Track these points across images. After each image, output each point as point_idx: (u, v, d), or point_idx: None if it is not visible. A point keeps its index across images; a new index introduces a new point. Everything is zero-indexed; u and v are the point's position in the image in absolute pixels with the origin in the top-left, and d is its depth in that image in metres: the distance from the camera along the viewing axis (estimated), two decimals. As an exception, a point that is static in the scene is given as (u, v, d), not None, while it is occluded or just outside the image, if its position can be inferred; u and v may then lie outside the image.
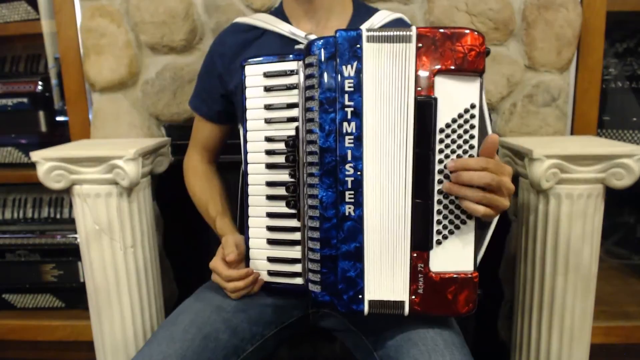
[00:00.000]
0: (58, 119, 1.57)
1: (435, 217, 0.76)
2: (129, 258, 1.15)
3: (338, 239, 0.77)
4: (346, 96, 0.74)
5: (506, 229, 1.36)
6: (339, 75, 0.74)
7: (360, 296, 0.77)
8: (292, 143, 0.83)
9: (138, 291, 1.18)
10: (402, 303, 0.77)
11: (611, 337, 1.35)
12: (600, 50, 1.29)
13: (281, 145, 0.84)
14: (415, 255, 0.76)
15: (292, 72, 0.83)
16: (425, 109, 0.73)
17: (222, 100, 1.04)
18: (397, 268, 0.77)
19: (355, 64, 0.74)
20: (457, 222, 0.76)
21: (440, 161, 0.74)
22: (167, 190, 1.36)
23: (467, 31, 0.73)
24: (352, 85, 0.74)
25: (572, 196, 1.07)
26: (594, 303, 1.13)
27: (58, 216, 1.56)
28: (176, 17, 1.26)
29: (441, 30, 0.73)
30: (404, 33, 0.73)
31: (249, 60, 0.87)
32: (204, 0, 1.29)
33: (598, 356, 1.25)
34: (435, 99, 0.73)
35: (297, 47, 0.86)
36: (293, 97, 0.83)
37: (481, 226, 0.78)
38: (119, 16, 1.30)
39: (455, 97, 0.73)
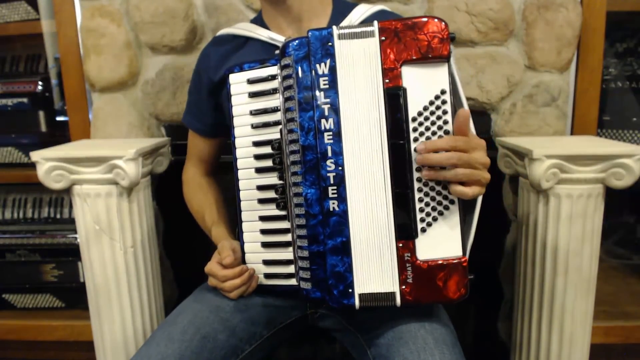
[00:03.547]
0: (58, 119, 1.57)
1: (417, 205, 0.76)
2: (129, 258, 1.15)
3: (325, 235, 0.77)
4: (322, 93, 0.76)
5: (506, 229, 1.36)
6: (314, 74, 0.76)
7: (350, 290, 0.77)
8: (277, 145, 0.83)
9: (138, 291, 1.18)
10: (393, 294, 0.77)
11: (611, 337, 1.35)
12: (600, 50, 1.29)
13: (269, 149, 0.85)
14: (401, 245, 0.76)
15: (273, 77, 0.84)
16: (395, 99, 0.74)
17: (213, 114, 1.04)
18: (385, 259, 0.77)
19: (328, 61, 0.75)
20: (440, 208, 0.76)
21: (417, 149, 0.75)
22: (167, 190, 1.36)
23: (427, 19, 0.73)
24: (327, 82, 0.75)
25: (572, 196, 1.07)
26: (594, 303, 1.13)
27: (58, 216, 1.56)
28: (176, 17, 1.26)
29: (402, 21, 0.74)
30: (367, 28, 0.75)
31: (232, 68, 0.88)
32: (204, 0, 1.29)
33: (598, 356, 1.25)
34: (404, 89, 0.74)
35: (277, 52, 0.86)
36: (277, 100, 0.84)
37: (467, 210, 0.78)
38: (118, 16, 1.30)
39: (424, 85, 0.74)
